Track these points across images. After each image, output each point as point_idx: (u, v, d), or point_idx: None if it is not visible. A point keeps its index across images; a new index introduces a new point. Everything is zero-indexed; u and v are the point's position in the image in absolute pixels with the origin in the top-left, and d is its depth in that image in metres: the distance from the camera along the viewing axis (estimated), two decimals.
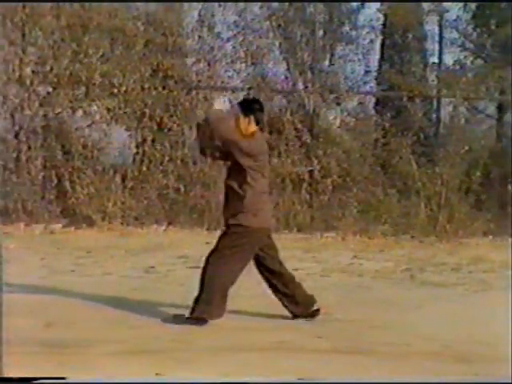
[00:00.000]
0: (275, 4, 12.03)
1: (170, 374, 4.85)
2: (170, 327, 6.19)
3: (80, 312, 6.62)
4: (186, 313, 6.27)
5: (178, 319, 6.29)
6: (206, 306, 6.20)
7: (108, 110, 11.63)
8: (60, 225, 11.21)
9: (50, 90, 11.45)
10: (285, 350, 5.65)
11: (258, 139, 6.40)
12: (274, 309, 6.52)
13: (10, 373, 4.55)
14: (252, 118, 6.36)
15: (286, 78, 12.17)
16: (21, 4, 11.09)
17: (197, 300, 6.24)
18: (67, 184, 11.33)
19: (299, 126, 11.84)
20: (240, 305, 6.58)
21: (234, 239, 6.25)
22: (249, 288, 6.79)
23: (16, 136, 11.34)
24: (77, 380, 4.58)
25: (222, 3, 11.88)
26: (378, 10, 12.31)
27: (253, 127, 6.35)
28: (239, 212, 6.23)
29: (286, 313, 6.49)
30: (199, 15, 11.92)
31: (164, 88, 11.59)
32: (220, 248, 6.29)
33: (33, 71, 11.37)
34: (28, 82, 11.29)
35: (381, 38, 12.47)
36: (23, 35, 11.39)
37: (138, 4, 11.76)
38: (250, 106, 6.43)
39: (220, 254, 6.26)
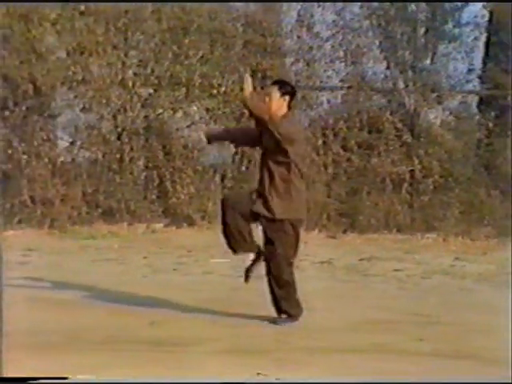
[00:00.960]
0: (375, 3, 11.92)
1: (271, 375, 4.85)
2: (269, 327, 6.20)
3: (182, 311, 6.70)
4: (282, 315, 6.25)
5: (279, 320, 6.28)
6: (296, 305, 6.17)
7: (207, 110, 11.75)
8: (161, 224, 11.38)
9: (152, 91, 11.64)
10: (385, 352, 5.58)
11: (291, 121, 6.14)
12: (370, 310, 6.46)
13: (117, 371, 4.65)
14: (288, 99, 6.09)
15: (386, 76, 12.04)
16: (123, 9, 11.32)
17: (285, 299, 6.18)
18: (168, 184, 11.49)
19: (399, 125, 11.70)
20: (332, 304, 6.53)
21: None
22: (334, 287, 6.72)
23: (119, 137, 11.56)
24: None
25: (320, 3, 11.84)
26: (484, 7, 12.05)
27: (285, 109, 6.06)
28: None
29: (385, 314, 6.41)
30: (298, 15, 11.92)
31: (262, 88, 11.64)
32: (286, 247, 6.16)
33: (135, 74, 11.58)
34: (130, 85, 11.50)
35: (485, 35, 12.19)
36: (125, 39, 11.62)
37: (238, 5, 11.84)
38: (289, 87, 6.16)
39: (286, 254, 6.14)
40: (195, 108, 11.75)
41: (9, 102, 11.08)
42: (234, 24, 11.75)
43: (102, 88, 11.36)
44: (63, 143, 11.67)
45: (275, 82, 6.26)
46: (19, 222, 10.82)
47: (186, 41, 11.52)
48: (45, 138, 11.30)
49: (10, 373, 4.03)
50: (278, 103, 6.00)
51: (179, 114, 11.75)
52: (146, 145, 11.58)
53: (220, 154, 11.81)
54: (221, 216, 6.24)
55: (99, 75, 11.44)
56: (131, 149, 11.51)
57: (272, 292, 6.20)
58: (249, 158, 11.63)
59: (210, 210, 11.39)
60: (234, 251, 6.29)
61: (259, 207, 6.05)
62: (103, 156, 11.49)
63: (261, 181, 6.11)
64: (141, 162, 11.53)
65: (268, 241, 6.14)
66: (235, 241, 6.16)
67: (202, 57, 11.60)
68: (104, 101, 11.47)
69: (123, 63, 11.54)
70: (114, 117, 11.57)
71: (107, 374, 4.69)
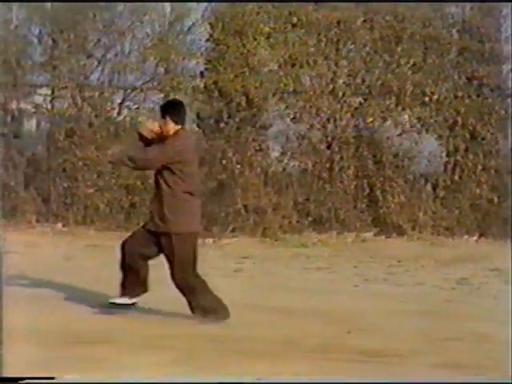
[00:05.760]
0: None
1: None
2: (486, 343, 6.00)
3: (387, 321, 6.64)
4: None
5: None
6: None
7: (418, 118, 11.59)
8: (371, 233, 11.35)
9: (362, 100, 11.64)
10: None
11: (182, 138, 6.37)
12: None
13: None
14: (168, 118, 6.33)
15: None
16: (335, 20, 11.41)
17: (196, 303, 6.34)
18: (378, 193, 11.43)
19: None
20: None
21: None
22: None
23: (329, 147, 11.65)
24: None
25: None
26: None
27: (172, 127, 6.32)
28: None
29: None
30: None
31: (478, 96, 11.36)
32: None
33: (345, 83, 11.63)
34: (340, 94, 11.57)
35: None
36: (337, 49, 11.70)
37: (453, 11, 11.59)
38: (164, 108, 6.47)
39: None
40: (406, 116, 11.62)
41: (224, 115, 11.46)
42: (449, 30, 11.53)
43: (312, 98, 11.51)
44: (274, 153, 11.91)
45: (160, 107, 6.69)
46: (233, 230, 11.16)
47: (398, 49, 11.44)
48: (257, 148, 11.58)
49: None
50: (167, 126, 6.34)
51: (389, 122, 11.66)
52: (356, 154, 11.58)
53: (431, 162, 11.61)
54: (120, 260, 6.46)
55: (310, 86, 11.59)
56: (341, 158, 11.56)
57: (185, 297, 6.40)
58: (461, 166, 11.37)
59: (420, 219, 11.23)
60: (125, 294, 6.44)
61: (154, 225, 6.34)
62: (313, 165, 11.61)
63: (154, 198, 6.41)
64: (351, 171, 11.54)
65: (168, 253, 6.32)
66: (131, 286, 6.39)
67: (414, 65, 11.47)
68: (314, 111, 11.60)
69: (334, 73, 11.62)
70: (324, 126, 11.67)
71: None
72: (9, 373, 4.61)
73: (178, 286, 6.35)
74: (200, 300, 6.34)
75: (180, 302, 6.84)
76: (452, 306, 7.26)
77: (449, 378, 5.07)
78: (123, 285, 6.44)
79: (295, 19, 11.44)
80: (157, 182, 6.37)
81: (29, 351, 5.25)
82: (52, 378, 4.30)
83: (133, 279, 6.39)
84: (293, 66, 11.49)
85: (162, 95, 11.70)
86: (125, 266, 6.42)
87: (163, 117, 6.37)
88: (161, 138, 6.36)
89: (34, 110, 11.56)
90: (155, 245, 6.37)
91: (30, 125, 11.82)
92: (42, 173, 11.44)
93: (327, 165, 11.56)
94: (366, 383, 4.91)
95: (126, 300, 6.42)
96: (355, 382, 4.88)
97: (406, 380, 5.00)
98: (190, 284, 6.33)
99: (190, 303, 6.37)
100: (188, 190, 6.31)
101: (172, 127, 6.34)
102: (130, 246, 6.41)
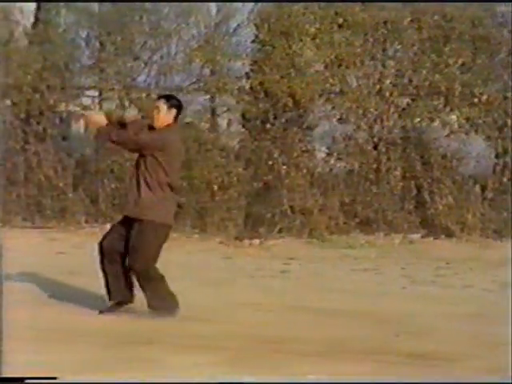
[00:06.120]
0: None
1: None
2: None
3: (435, 323, 6.58)
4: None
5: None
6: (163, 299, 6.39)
7: (467, 119, 11.47)
8: (419, 235, 11.25)
9: (409, 101, 11.55)
10: None
11: (174, 132, 6.45)
12: None
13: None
14: (174, 112, 6.43)
15: None
16: (382, 20, 11.35)
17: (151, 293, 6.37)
18: (426, 194, 11.34)
19: None
20: None
21: None
22: None
23: (375, 147, 11.58)
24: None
25: None
26: None
27: (170, 119, 6.40)
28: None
29: None
30: None
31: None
32: None
33: (392, 83, 11.56)
34: (387, 95, 11.50)
35: None
36: (383, 50, 11.64)
37: (503, 10, 11.44)
38: (176, 101, 6.50)
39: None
40: (454, 117, 11.51)
41: (270, 116, 11.46)
42: (499, 30, 11.40)
43: (358, 99, 11.45)
44: (321, 154, 11.88)
45: (162, 96, 6.64)
46: (279, 231, 11.15)
47: (447, 49, 11.33)
48: (303, 149, 11.57)
49: None
50: (165, 115, 6.40)
51: (437, 123, 11.56)
52: (403, 155, 11.50)
53: (480, 163, 11.49)
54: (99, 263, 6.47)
55: (356, 86, 11.54)
56: (388, 159, 11.49)
57: (140, 286, 6.40)
58: (510, 168, 11.22)
59: (469, 221, 11.11)
60: (111, 298, 6.48)
61: (129, 210, 6.39)
62: (360, 166, 11.56)
63: (133, 183, 6.40)
64: (398, 172, 11.46)
65: (136, 239, 6.30)
66: (114, 289, 6.41)
67: (462, 65, 11.36)
68: (361, 111, 11.54)
69: (381, 73, 11.56)
70: (371, 127, 11.60)
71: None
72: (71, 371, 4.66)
73: (137, 274, 6.36)
74: (156, 290, 6.37)
75: (228, 303, 6.88)
76: (501, 308, 7.16)
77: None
78: (107, 288, 6.50)
79: (341, 20, 11.40)
80: (138, 168, 6.38)
81: (87, 351, 5.33)
82: (54, 378, 4.31)
83: (113, 281, 6.44)
84: (339, 66, 11.45)
85: (207, 96, 11.75)
86: (105, 268, 6.47)
87: (170, 108, 6.41)
88: (151, 127, 6.45)
89: (82, 111, 11.67)
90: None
91: (79, 127, 11.94)
92: (91, 174, 11.56)
93: (374, 166, 11.50)
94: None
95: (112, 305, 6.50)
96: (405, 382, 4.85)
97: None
98: (150, 273, 6.36)
99: (145, 293, 6.39)
100: (169, 182, 6.38)
101: (170, 119, 6.41)
102: (108, 243, 6.44)
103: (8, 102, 11.83)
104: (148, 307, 6.39)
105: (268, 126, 11.45)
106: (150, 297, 6.37)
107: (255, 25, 11.66)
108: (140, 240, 6.29)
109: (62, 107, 11.81)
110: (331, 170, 11.72)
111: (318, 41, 11.41)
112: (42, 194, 11.51)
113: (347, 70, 11.50)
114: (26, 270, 7.53)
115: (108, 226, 10.95)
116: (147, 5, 11.82)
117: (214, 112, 11.90)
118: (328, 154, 11.76)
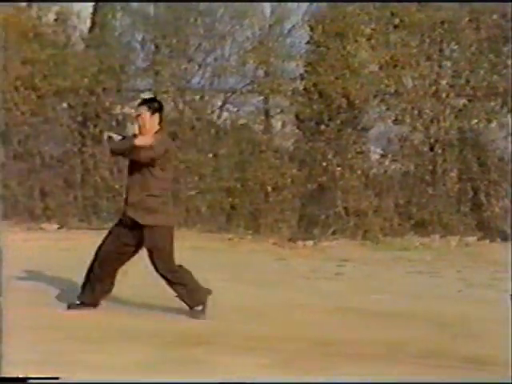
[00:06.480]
0: None
1: None
2: None
3: (493, 328, 6.47)
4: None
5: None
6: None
7: None
8: (475, 237, 11.10)
9: (466, 102, 11.40)
10: None
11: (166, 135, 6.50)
12: None
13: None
14: (157, 115, 6.37)
15: None
16: (439, 20, 11.22)
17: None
18: (482, 197, 11.19)
19: None
20: None
21: None
22: None
23: (431, 149, 11.46)
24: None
25: None
26: None
27: (156, 125, 6.35)
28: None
29: None
30: None
31: None
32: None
33: (449, 84, 11.42)
34: (444, 95, 11.36)
35: None
36: (440, 50, 11.51)
37: None
38: (157, 105, 6.42)
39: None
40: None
41: (324, 117, 11.42)
42: None
43: (414, 100, 11.34)
44: (375, 155, 11.80)
45: (142, 103, 6.55)
46: (333, 232, 11.10)
47: (505, 49, 11.16)
48: (358, 150, 11.49)
49: None
50: (150, 122, 6.34)
51: (494, 124, 11.38)
52: (459, 156, 11.36)
53: None
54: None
55: (412, 87, 11.43)
56: (444, 160, 11.36)
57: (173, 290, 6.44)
58: None
59: None
60: (81, 298, 6.56)
61: (138, 216, 6.36)
62: (415, 167, 11.45)
63: (137, 189, 6.41)
64: (454, 174, 11.33)
65: (151, 246, 6.38)
66: (88, 292, 6.49)
67: None
68: (416, 112, 11.43)
69: (437, 74, 11.43)
70: (427, 128, 11.48)
71: None
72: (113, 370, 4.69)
73: (164, 277, 6.41)
74: (188, 284, 6.41)
75: (282, 305, 6.86)
76: None
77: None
78: (84, 287, 6.56)
79: (397, 20, 11.30)
80: (140, 174, 6.42)
81: (135, 351, 5.34)
82: (57, 378, 4.36)
83: (93, 285, 6.50)
84: (394, 67, 11.34)
85: (261, 98, 11.76)
86: (93, 270, 6.51)
87: (153, 113, 6.38)
88: (142, 133, 6.45)
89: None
90: (133, 239, 6.42)
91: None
92: None
93: (430, 167, 11.38)
94: None
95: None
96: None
97: None
98: (173, 270, 6.40)
99: (177, 292, 6.42)
100: (169, 184, 6.49)
101: (155, 125, 6.40)
102: (105, 252, 6.48)
103: (65, 105, 12.01)
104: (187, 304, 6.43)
105: (322, 127, 11.40)
106: (185, 296, 6.42)
107: (309, 26, 11.63)
108: (155, 246, 6.39)
109: (117, 109, 11.93)
110: (386, 171, 11.63)
111: (373, 41, 11.32)
112: (98, 195, 11.65)
113: (403, 71, 11.39)
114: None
115: None
116: (201, 7, 11.88)
117: (267, 113, 11.90)
118: (383, 156, 11.67)
